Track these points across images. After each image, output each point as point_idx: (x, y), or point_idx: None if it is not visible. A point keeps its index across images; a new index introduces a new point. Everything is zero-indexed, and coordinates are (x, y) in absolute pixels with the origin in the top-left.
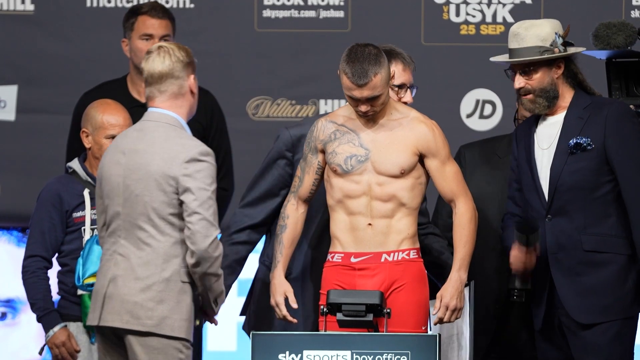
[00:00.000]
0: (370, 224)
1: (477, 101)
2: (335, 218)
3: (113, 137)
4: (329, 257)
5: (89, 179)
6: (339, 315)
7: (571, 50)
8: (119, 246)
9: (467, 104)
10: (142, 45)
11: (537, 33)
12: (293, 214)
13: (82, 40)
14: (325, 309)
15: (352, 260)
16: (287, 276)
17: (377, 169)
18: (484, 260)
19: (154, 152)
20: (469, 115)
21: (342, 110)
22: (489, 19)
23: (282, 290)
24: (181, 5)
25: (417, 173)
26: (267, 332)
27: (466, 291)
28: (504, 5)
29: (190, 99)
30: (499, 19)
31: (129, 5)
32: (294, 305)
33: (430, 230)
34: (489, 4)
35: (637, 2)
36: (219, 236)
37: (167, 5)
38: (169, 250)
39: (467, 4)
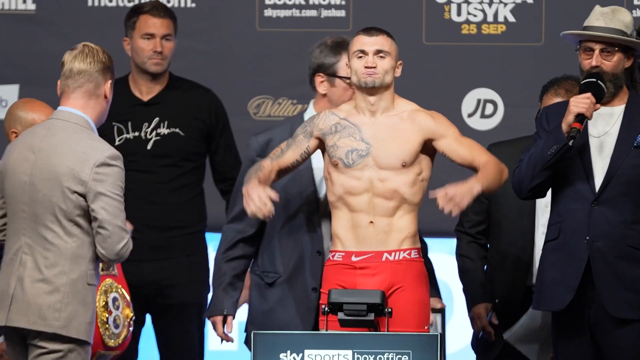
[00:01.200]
0: (372, 222)
1: (479, 101)
2: (336, 215)
3: None
4: (330, 255)
5: None
6: (341, 315)
7: None
8: (24, 245)
9: (468, 103)
10: (144, 45)
11: (622, 18)
12: (267, 168)
13: (83, 40)
14: (326, 308)
15: (353, 259)
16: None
17: (379, 163)
18: (503, 256)
19: (64, 153)
20: (470, 115)
21: (345, 106)
22: (490, 18)
23: (255, 184)
24: (182, 5)
25: (417, 168)
26: (269, 331)
27: (438, 318)
28: (505, 4)
29: (102, 103)
30: (500, 19)
31: (131, 4)
32: (275, 196)
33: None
34: (490, 4)
35: (638, 1)
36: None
37: (169, 5)
38: (76, 252)
39: (469, 3)
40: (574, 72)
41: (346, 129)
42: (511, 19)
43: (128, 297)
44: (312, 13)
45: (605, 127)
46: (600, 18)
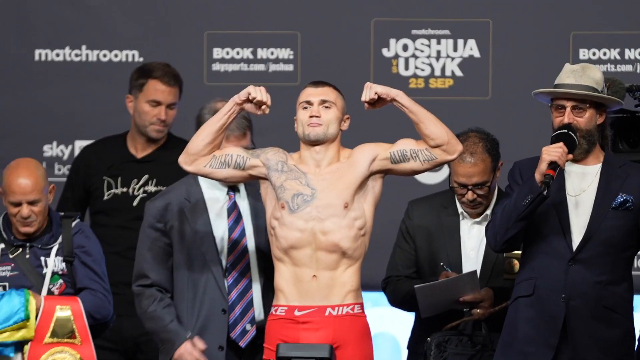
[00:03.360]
0: (315, 276)
1: None
2: (279, 269)
3: (15, 204)
4: (272, 310)
5: (4, 234)
6: None
7: (615, 99)
8: None
9: None
10: (148, 109)
11: (592, 75)
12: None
13: (30, 95)
14: None
15: (296, 313)
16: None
17: (322, 207)
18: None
19: None
20: None
21: (297, 154)
22: (437, 72)
23: None
24: (130, 59)
25: (360, 222)
26: None
27: None
28: (453, 59)
29: None
30: (448, 73)
31: (78, 59)
32: None
33: None
34: (437, 58)
35: (584, 55)
36: None
37: (116, 59)
38: None
39: (416, 57)
40: (521, 125)
41: (293, 171)
42: (458, 73)
43: None
44: (260, 67)
45: (581, 185)
46: (570, 75)
